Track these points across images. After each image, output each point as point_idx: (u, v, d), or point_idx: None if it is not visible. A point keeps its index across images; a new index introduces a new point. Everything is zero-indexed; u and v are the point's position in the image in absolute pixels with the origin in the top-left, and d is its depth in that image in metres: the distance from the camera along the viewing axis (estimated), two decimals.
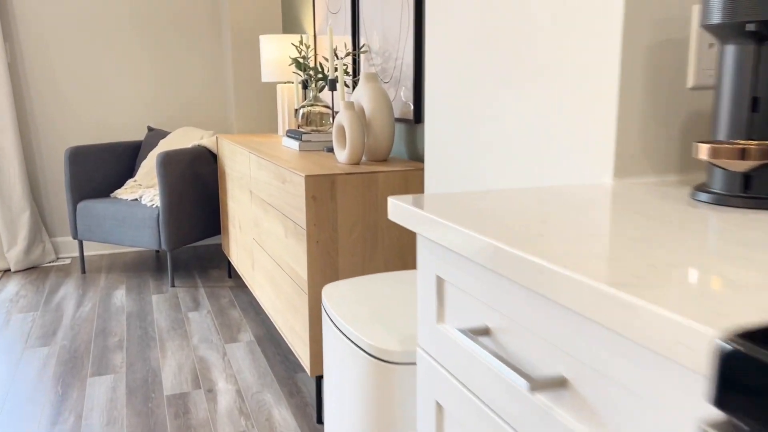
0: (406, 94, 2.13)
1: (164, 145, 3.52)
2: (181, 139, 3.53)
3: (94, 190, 3.42)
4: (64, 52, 3.58)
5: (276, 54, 3.00)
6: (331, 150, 2.36)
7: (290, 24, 3.55)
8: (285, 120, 3.12)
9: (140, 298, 3.03)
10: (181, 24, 3.78)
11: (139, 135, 3.82)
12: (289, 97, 3.12)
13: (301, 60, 2.53)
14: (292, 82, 3.13)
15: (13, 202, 3.45)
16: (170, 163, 3.09)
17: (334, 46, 2.76)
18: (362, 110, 2.05)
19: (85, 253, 3.75)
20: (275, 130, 3.81)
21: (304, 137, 2.43)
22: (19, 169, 3.43)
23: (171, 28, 3.77)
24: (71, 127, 3.66)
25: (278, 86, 3.11)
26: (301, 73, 2.55)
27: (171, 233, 3.13)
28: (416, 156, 2.14)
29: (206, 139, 3.37)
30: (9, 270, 3.45)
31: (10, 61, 3.49)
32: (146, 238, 3.16)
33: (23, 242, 3.45)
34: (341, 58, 2.33)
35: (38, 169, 3.63)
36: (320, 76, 2.48)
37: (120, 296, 3.06)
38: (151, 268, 3.53)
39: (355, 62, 2.56)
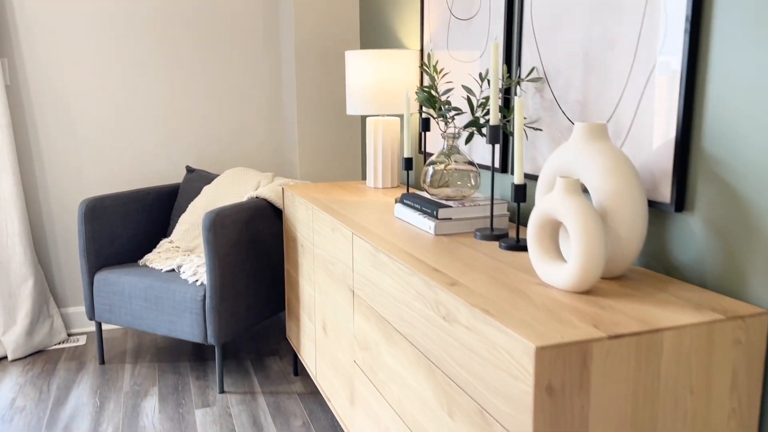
0: (649, 158, 1.25)
1: (211, 195, 2.67)
2: (231, 186, 2.68)
3: (117, 254, 2.58)
4: (78, 74, 2.76)
5: (370, 77, 2.13)
6: (487, 237, 1.48)
7: (377, 36, 2.68)
8: (379, 167, 2.26)
9: (178, 415, 2.18)
10: (227, 37, 2.94)
11: (174, 177, 2.98)
12: (390, 138, 2.25)
13: (434, 93, 1.65)
14: (397, 116, 2.26)
15: (12, 269, 2.62)
16: (221, 226, 2.24)
17: (500, 74, 1.88)
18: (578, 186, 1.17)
19: (104, 329, 2.91)
20: (355, 174, 2.94)
21: (441, 213, 1.55)
22: (19, 226, 2.60)
23: (215, 42, 2.93)
24: (87, 168, 2.83)
25: (369, 120, 2.25)
26: (433, 112, 1.68)
27: (221, 322, 2.27)
28: (670, 267, 1.25)
29: (266, 188, 2.52)
30: (5, 358, 2.63)
31: (9, 84, 2.67)
32: (187, 327, 2.31)
33: (24, 321, 2.63)
34: (514, 92, 1.45)
35: (45, 221, 2.81)
36: (469, 120, 1.60)
37: (150, 410, 2.21)
38: (190, 355, 2.69)
39: (508, 95, 1.68)
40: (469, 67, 1.89)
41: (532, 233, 1.16)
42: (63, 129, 2.77)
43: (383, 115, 2.26)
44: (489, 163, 1.82)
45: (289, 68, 2.89)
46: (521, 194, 1.37)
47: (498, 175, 1.79)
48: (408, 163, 1.94)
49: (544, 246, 1.15)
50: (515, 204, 1.65)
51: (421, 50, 2.22)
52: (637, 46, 1.25)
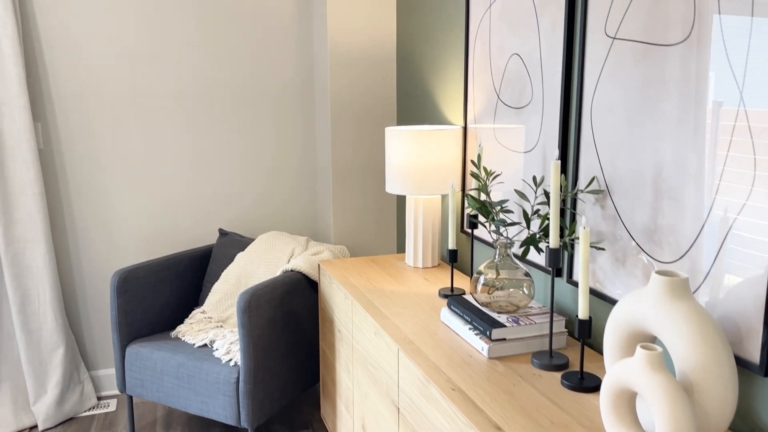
0: (732, 307, 1.14)
1: (244, 263, 2.60)
2: (265, 254, 2.61)
3: (149, 325, 2.52)
4: (110, 139, 2.72)
5: (411, 158, 2.04)
6: (546, 366, 1.38)
7: (416, 105, 2.59)
8: (420, 245, 2.17)
9: None
10: (262, 100, 2.88)
11: (206, 239, 2.92)
12: (431, 217, 2.16)
13: (486, 199, 1.55)
14: (439, 196, 2.18)
15: (43, 337, 2.58)
16: (256, 307, 2.17)
17: (560, 191, 1.79)
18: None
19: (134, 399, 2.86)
20: (389, 238, 2.85)
21: (496, 333, 1.46)
22: (51, 294, 2.56)
23: (249, 104, 2.87)
24: (119, 232, 2.78)
25: (409, 197, 2.17)
26: (485, 222, 1.59)
27: (255, 405, 2.20)
28: (757, 429, 1.14)
29: (300, 259, 2.44)
30: (35, 427, 2.59)
31: (42, 148, 2.64)
32: (220, 410, 2.24)
33: (55, 390, 2.58)
34: (571, 204, 1.36)
35: (77, 286, 2.77)
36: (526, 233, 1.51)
37: None
38: (221, 427, 2.62)
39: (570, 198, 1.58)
40: (517, 159, 1.79)
41: (607, 403, 1.06)
42: (95, 194, 2.73)
43: (424, 196, 2.17)
44: (541, 262, 1.72)
45: (323, 132, 2.82)
46: (586, 330, 1.27)
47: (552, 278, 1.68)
48: (453, 256, 1.85)
49: (621, 415, 1.05)
50: (575, 315, 1.55)
51: (464, 128, 2.13)
52: (721, 179, 1.15)
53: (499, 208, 1.51)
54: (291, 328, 2.37)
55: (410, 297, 1.90)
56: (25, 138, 2.46)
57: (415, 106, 2.59)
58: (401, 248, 2.85)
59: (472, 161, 1.64)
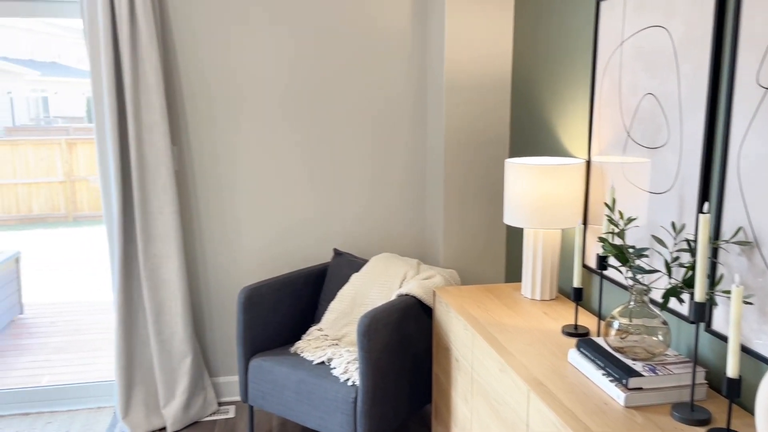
0: None
1: (359, 284, 2.70)
2: (378, 276, 2.69)
3: (269, 339, 2.67)
4: (237, 161, 2.89)
5: (532, 192, 2.06)
6: (687, 421, 1.36)
7: (534, 133, 2.60)
8: (538, 277, 2.18)
9: None
10: (374, 121, 2.97)
11: (320, 258, 3.05)
12: (551, 250, 2.17)
13: (622, 245, 1.55)
14: (560, 229, 2.18)
15: (174, 346, 2.78)
16: (375, 330, 2.25)
17: (708, 246, 1.77)
18: None
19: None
20: (499, 263, 2.87)
21: (633, 382, 1.45)
22: (182, 306, 2.76)
23: (362, 127, 2.97)
24: (241, 249, 2.96)
25: (529, 229, 2.18)
26: (619, 267, 1.59)
27: (371, 425, 2.28)
28: None
29: (414, 284, 2.51)
30: (164, 429, 2.79)
31: (178, 169, 2.84)
32: (337, 426, 2.34)
33: (183, 395, 2.78)
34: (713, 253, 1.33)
35: (203, 300, 2.97)
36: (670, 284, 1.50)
37: None
38: None
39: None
40: (648, 199, 1.77)
41: None
42: (221, 213, 2.92)
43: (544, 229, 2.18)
44: (676, 308, 1.69)
45: (436, 156, 2.88)
46: (736, 389, 1.25)
47: (689, 325, 1.65)
48: (578, 294, 1.85)
49: None
50: (715, 364, 1.52)
51: (588, 163, 2.12)
52: None
53: (636, 254, 1.51)
54: (405, 350, 2.44)
55: (532, 332, 1.91)
56: (164, 161, 2.66)
57: (530, 134, 2.59)
58: (511, 276, 2.85)
59: (606, 204, 1.64)
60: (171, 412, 2.76)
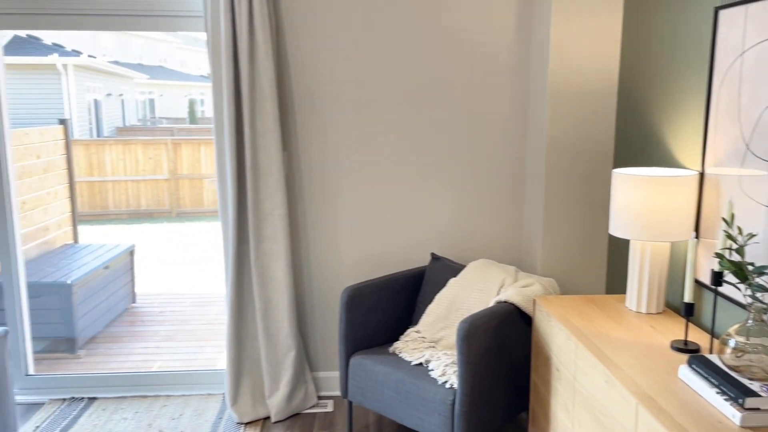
0: None
1: (456, 289, 2.75)
2: (476, 282, 2.74)
3: (368, 338, 2.77)
4: (342, 168, 3.02)
5: (641, 204, 2.03)
6: None
7: (641, 141, 2.55)
8: (644, 290, 2.15)
9: None
10: (474, 127, 3.01)
11: (417, 261, 3.13)
12: (659, 262, 2.13)
13: (744, 261, 1.52)
14: (669, 242, 2.15)
15: (280, 341, 2.94)
16: (475, 335, 2.30)
17: None
18: None
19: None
20: (599, 273, 2.84)
21: (750, 402, 1.42)
22: (288, 303, 2.92)
23: (461, 132, 3.02)
24: (343, 251, 3.08)
25: (633, 241, 2.16)
26: (737, 284, 1.56)
27: (469, 429, 2.33)
28: None
29: (513, 291, 2.53)
30: (268, 418, 2.96)
31: (287, 173, 3.00)
32: (435, 427, 2.41)
33: (286, 387, 2.93)
34: None
35: (306, 298, 3.12)
36: None
37: None
38: None
39: None
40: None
41: None
42: (326, 216, 3.05)
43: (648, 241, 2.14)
44: None
45: (536, 163, 2.88)
46: None
47: None
48: (689, 310, 1.81)
49: None
50: None
51: (701, 174, 2.07)
52: None
53: (757, 272, 1.47)
54: (502, 357, 2.47)
55: (639, 346, 1.89)
56: (276, 166, 2.82)
57: (637, 143, 2.55)
58: (612, 288, 2.81)
59: (724, 219, 1.61)
60: (275, 402, 2.92)
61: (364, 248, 3.10)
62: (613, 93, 2.73)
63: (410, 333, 2.77)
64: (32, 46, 11.51)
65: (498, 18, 2.93)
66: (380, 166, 3.04)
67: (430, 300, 2.87)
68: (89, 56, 12.32)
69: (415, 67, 2.96)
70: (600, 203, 2.81)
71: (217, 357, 4.24)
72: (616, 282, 2.78)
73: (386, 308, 2.83)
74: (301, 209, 3.04)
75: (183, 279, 6.52)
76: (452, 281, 2.80)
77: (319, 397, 3.15)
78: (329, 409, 3.04)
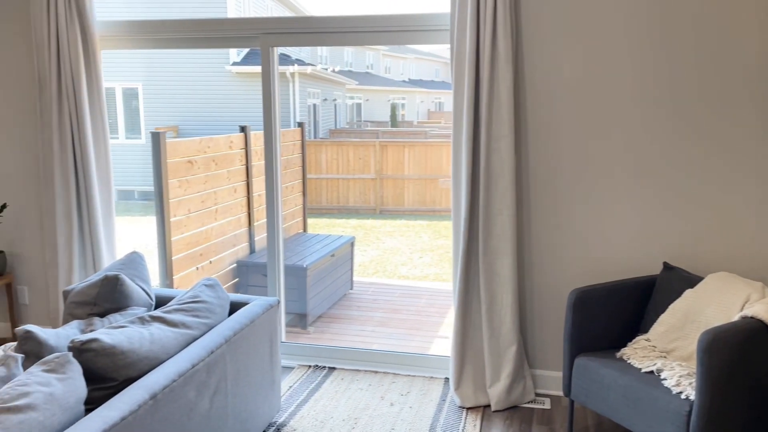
0: None
1: (692, 300, 2.67)
2: (715, 294, 2.63)
3: (594, 341, 2.81)
4: (570, 168, 3.08)
5: None
6: None
7: None
8: None
9: None
10: (714, 121, 2.88)
11: (646, 270, 3.08)
12: None
13: None
14: None
15: (502, 334, 3.10)
16: (717, 348, 2.24)
17: None
18: None
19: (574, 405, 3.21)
20: None
21: None
22: (511, 299, 3.06)
23: (708, 143, 2.91)
24: (568, 255, 3.14)
25: None
26: None
27: None
28: None
29: (761, 306, 2.40)
30: (488, 406, 3.13)
31: (516, 176, 3.14)
32: None
33: (506, 379, 3.08)
34: None
35: (527, 296, 3.23)
36: None
37: None
38: None
39: None
40: None
41: None
42: (550, 216, 3.14)
43: None
44: None
45: None
46: None
47: None
48: None
49: None
50: None
51: None
52: None
53: None
54: (746, 374, 2.36)
55: None
56: (508, 168, 2.98)
57: None
58: None
59: None
60: (495, 392, 3.08)
61: (590, 253, 3.12)
62: None
63: (639, 340, 2.75)
64: (258, 57, 13.01)
65: None
66: (613, 176, 3.04)
67: (661, 309, 2.82)
68: (310, 65, 13.62)
69: (667, 71, 2.92)
70: None
71: (427, 345, 4.52)
72: None
73: (613, 313, 2.84)
74: (527, 210, 3.16)
75: (391, 271, 6.99)
76: (688, 292, 2.72)
77: (537, 394, 3.25)
78: (546, 406, 3.13)
